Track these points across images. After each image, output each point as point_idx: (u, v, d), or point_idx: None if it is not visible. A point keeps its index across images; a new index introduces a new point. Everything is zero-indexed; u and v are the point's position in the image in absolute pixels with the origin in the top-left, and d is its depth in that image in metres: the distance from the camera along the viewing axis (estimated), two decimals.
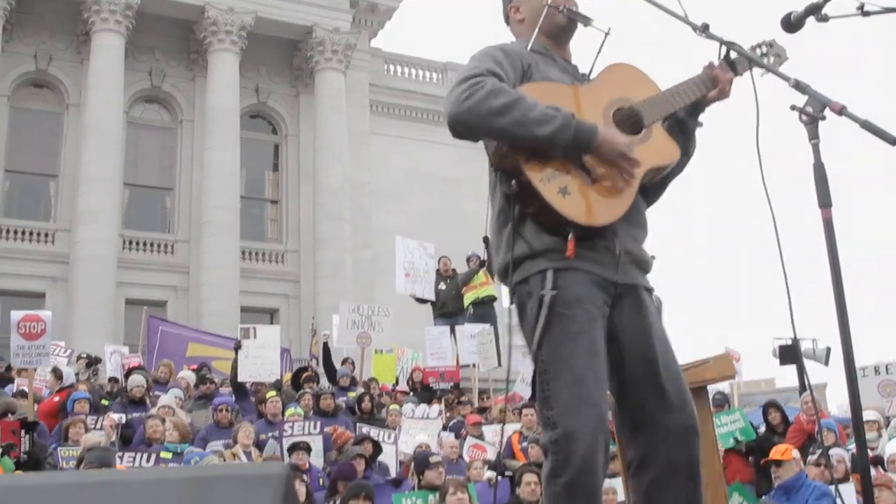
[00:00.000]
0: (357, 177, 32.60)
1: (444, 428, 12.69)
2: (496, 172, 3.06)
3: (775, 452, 8.48)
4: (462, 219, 32.25)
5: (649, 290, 3.17)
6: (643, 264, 3.18)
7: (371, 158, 33.52)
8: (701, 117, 3.33)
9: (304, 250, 31.19)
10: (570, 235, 2.92)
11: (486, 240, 16.01)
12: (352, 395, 13.92)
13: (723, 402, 13.02)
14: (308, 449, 10.12)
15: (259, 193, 32.96)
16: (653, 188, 3.29)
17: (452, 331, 16.74)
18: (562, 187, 2.92)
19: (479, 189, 32.22)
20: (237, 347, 13.29)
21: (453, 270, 17.94)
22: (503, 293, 34.16)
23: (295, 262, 31.45)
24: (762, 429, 11.54)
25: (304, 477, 8.89)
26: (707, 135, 3.50)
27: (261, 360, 13.28)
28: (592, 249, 3.01)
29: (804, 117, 2.85)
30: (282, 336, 15.43)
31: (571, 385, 2.86)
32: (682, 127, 3.28)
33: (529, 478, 8.64)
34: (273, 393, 12.46)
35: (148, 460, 8.69)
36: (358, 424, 11.70)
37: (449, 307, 17.37)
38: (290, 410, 11.84)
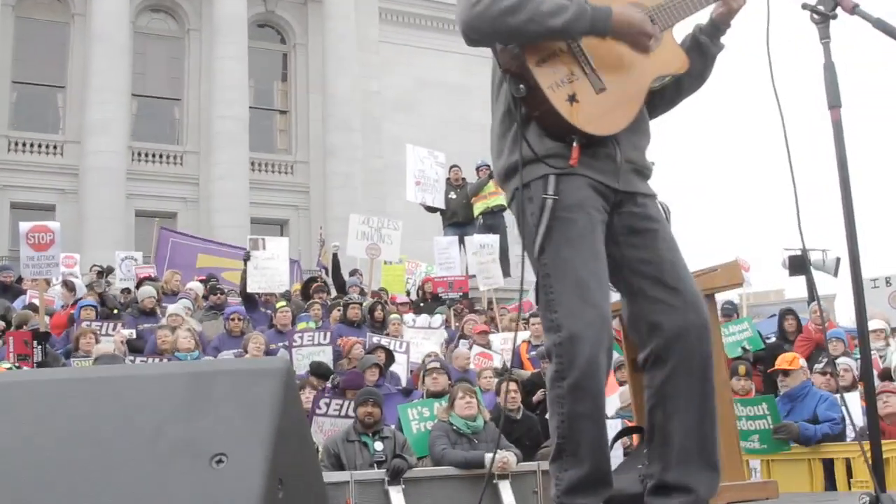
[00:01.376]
0: (366, 86, 32.46)
1: (451, 340, 12.74)
2: (503, 73, 3.02)
3: (782, 361, 8.42)
4: (473, 128, 32.07)
5: (651, 197, 3.16)
6: (644, 171, 3.16)
7: (381, 67, 33.32)
8: (723, 39, 3.27)
9: (314, 161, 31.27)
10: (574, 143, 2.91)
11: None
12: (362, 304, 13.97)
13: (731, 311, 13.00)
14: (327, 375, 9.92)
15: (268, 104, 32.85)
16: (660, 101, 3.26)
17: (462, 241, 16.84)
18: (570, 94, 2.90)
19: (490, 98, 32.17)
20: (246, 258, 13.29)
21: (463, 180, 17.95)
22: None
23: (304, 174, 31.54)
24: (771, 340, 11.56)
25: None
26: None
27: (270, 272, 13.28)
28: (594, 157, 3.00)
29: (815, 16, 2.80)
30: (291, 247, 15.56)
31: (574, 288, 2.86)
32: (703, 49, 3.24)
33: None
34: (283, 303, 12.51)
35: None
36: (369, 333, 11.76)
37: (459, 217, 17.48)
38: (304, 325, 11.83)
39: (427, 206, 17.49)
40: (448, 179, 17.75)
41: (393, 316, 12.81)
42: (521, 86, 2.93)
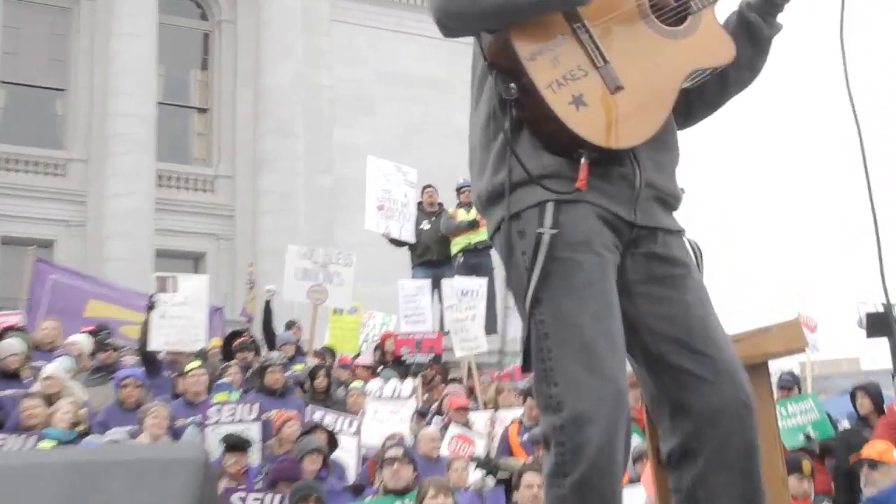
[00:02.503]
0: (314, 78, 32.58)
1: (423, 415, 12.81)
2: (488, 68, 3.06)
3: (870, 450, 8.35)
4: (454, 136, 32.18)
5: (677, 234, 3.19)
6: (669, 199, 3.20)
7: (333, 54, 33.46)
8: (780, 17, 3.30)
9: (242, 175, 31.32)
10: (582, 159, 2.94)
11: None
12: (297, 367, 14.08)
13: (791, 385, 13.02)
14: (244, 447, 10.02)
15: (182, 99, 32.94)
16: (699, 103, 3.30)
17: (436, 285, 16.98)
18: (576, 95, 2.92)
19: None
20: (151, 306, 13.20)
21: (440, 205, 18.15)
22: None
23: (229, 192, 31.56)
24: (844, 424, 11.51)
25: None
26: None
27: (182, 323, 13.25)
28: (606, 178, 3.02)
29: None
30: (210, 289, 15.25)
31: (579, 353, 2.88)
32: (752, 32, 3.26)
33: (531, 479, 8.65)
34: (196, 364, 12.45)
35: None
36: (311, 407, 11.81)
37: (433, 253, 17.75)
38: (223, 395, 11.90)
39: (392, 239, 17.58)
40: (420, 204, 17.93)
41: (354, 385, 12.85)
42: (512, 85, 2.95)
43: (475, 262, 17.48)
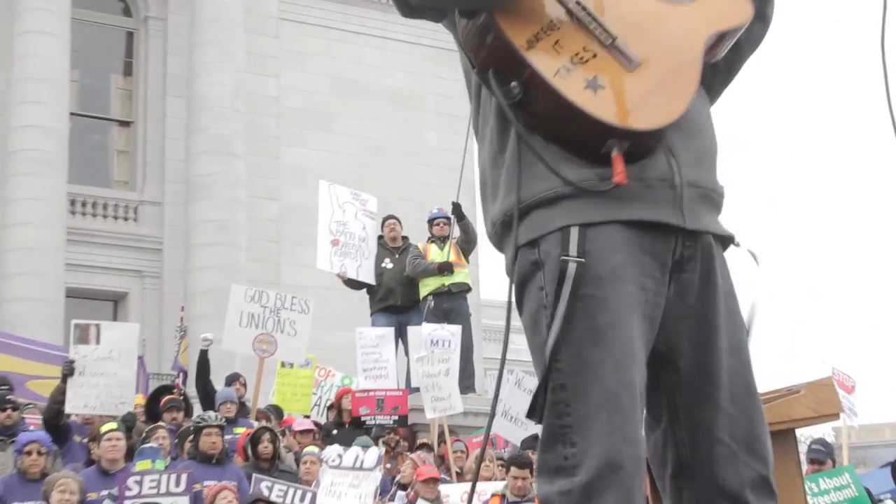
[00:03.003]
0: (258, 88, 32.65)
1: (384, 492, 12.82)
2: (482, 75, 3.09)
3: None
4: (421, 157, 32.47)
5: (726, 240, 3.25)
6: (715, 197, 3.24)
7: (282, 60, 33.56)
8: None
9: (172, 202, 31.29)
10: (613, 152, 2.95)
11: (456, 207, 17.33)
12: (239, 431, 14.04)
13: (824, 457, 12.96)
14: None
15: (101, 110, 32.95)
16: (712, 75, 3.32)
17: (401, 334, 17.17)
18: (589, 78, 2.96)
19: (452, 109, 32.33)
20: (68, 372, 13.08)
21: (405, 240, 18.22)
22: (484, 278, 33.61)
23: (156, 221, 31.51)
24: (886, 503, 11.50)
25: None
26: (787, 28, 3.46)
27: (105, 380, 13.19)
28: (641, 180, 3.03)
29: None
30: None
31: (601, 409, 2.92)
32: None
33: None
34: (113, 426, 12.36)
35: None
36: (254, 478, 11.78)
37: (397, 297, 17.82)
38: (146, 463, 11.79)
39: (348, 280, 17.73)
40: (381, 238, 18.12)
41: (307, 450, 12.88)
42: (513, 83, 2.98)
43: (448, 306, 17.58)
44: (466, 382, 17.24)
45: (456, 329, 16.55)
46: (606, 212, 2.97)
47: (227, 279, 22.65)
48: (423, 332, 16.23)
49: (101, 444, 11.93)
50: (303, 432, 15.19)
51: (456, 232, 17.88)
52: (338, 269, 17.46)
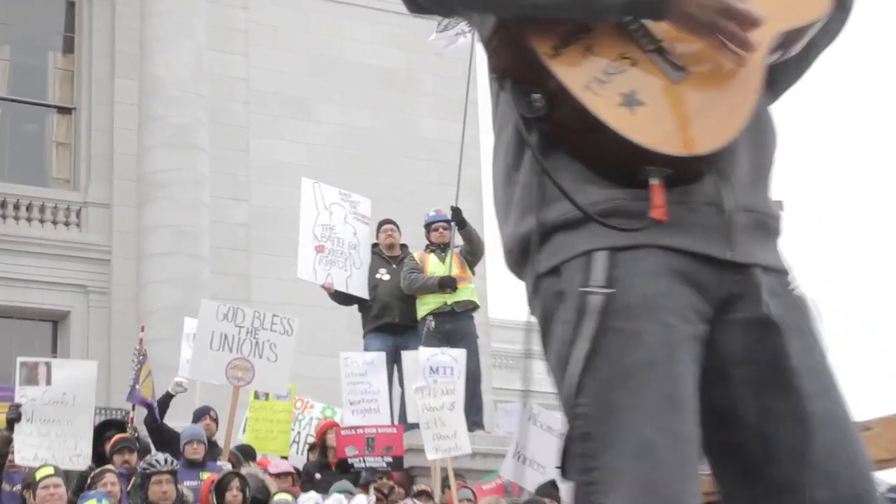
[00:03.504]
0: (224, 68, 32.49)
1: None
2: (499, 81, 3.10)
3: None
4: (419, 151, 32.31)
5: (783, 275, 3.18)
6: (771, 224, 3.20)
7: (251, 35, 33.40)
8: None
9: (122, 203, 31.15)
10: (652, 180, 2.91)
11: (456, 212, 17.55)
12: (207, 476, 13.96)
13: None
14: None
15: (37, 95, 32.97)
16: (780, 74, 3.29)
17: (396, 361, 17.23)
18: (626, 93, 2.91)
19: (452, 93, 31.44)
20: (14, 418, 13.19)
21: (403, 248, 18.42)
22: (493, 294, 33.06)
23: (103, 226, 31.36)
24: None
25: None
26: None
27: (57, 430, 13.28)
28: (683, 205, 2.99)
29: None
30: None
31: (633, 461, 2.88)
32: None
33: None
34: (49, 471, 12.44)
35: None
36: None
37: (394, 314, 17.94)
38: None
39: (335, 293, 17.89)
40: (376, 246, 18.36)
41: (279, 499, 12.93)
42: (535, 96, 2.94)
43: (451, 327, 17.69)
44: (474, 417, 17.26)
45: (460, 354, 16.55)
46: (640, 235, 2.92)
47: (188, 295, 23.11)
48: (420, 358, 16.30)
49: (38, 492, 11.98)
50: (280, 476, 15.08)
51: (458, 240, 17.93)
52: (323, 279, 17.54)
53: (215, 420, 16.50)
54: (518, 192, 3.10)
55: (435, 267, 17.68)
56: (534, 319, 3.10)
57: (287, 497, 13.48)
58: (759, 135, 3.15)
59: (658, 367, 2.91)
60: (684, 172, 2.93)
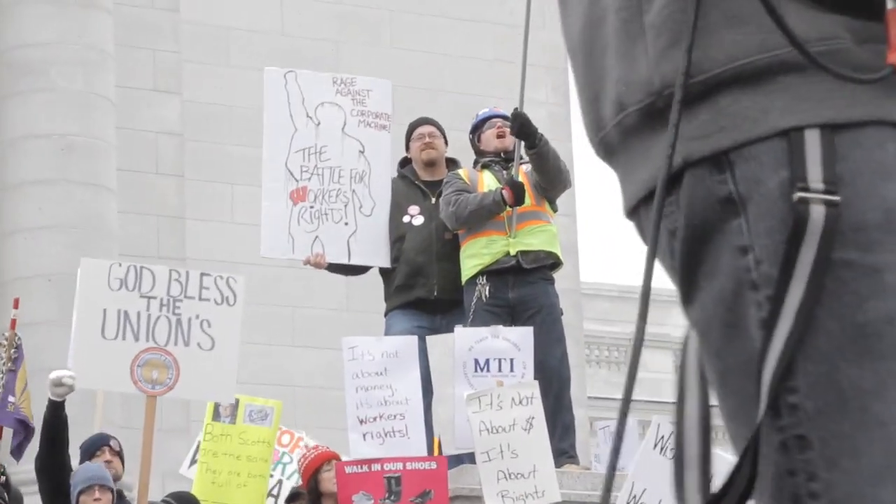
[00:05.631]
0: None
1: None
2: None
3: None
4: (459, 5, 27.55)
5: None
6: None
7: None
8: None
9: None
10: (890, 2, 2.14)
11: (518, 119, 15.29)
12: None
13: None
14: None
15: None
16: None
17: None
18: None
19: None
20: None
21: (452, 165, 15.70)
22: (584, 249, 31.05)
23: None
24: None
25: None
26: None
27: None
28: None
29: None
30: None
31: (887, 481, 2.20)
32: None
33: None
34: None
35: None
36: None
37: (431, 281, 15.20)
38: None
39: (331, 266, 15.63)
40: (405, 167, 15.92)
41: None
42: None
43: (517, 294, 14.95)
44: (561, 444, 14.81)
45: (523, 336, 14.08)
46: (868, 101, 2.19)
47: (85, 250, 18.91)
48: (458, 345, 14.02)
49: None
50: None
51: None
52: (305, 250, 14.96)
53: (118, 453, 14.32)
54: (651, 19, 2.33)
55: (490, 181, 15.14)
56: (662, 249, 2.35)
57: None
58: None
59: None
60: None
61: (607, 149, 2.39)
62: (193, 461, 15.58)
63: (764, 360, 2.19)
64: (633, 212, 2.37)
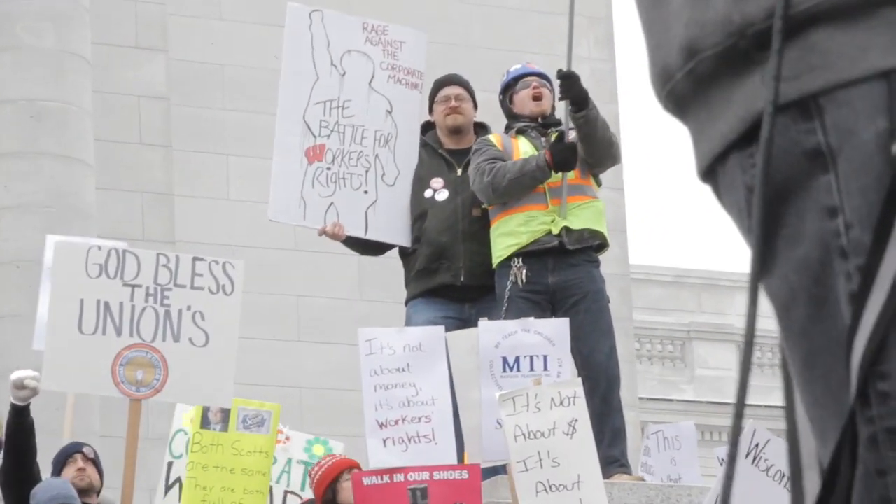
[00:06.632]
0: None
1: None
2: None
3: None
4: None
5: None
6: None
7: None
8: None
9: None
10: None
11: (567, 79, 14.65)
12: None
13: None
14: None
15: None
16: None
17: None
18: None
19: None
20: None
21: (481, 130, 14.75)
22: (633, 229, 30.21)
23: None
24: None
25: None
26: None
27: None
28: None
29: None
30: None
31: None
32: None
33: None
34: None
35: None
36: None
37: (458, 263, 14.36)
38: None
39: (349, 240, 14.86)
40: (429, 132, 14.96)
41: None
42: None
43: (557, 280, 14.11)
44: (611, 450, 13.99)
45: (558, 329, 13.28)
46: None
47: (56, 229, 18.40)
48: (484, 341, 13.21)
49: None
50: None
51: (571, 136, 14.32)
52: (319, 217, 14.25)
53: (94, 461, 13.80)
54: None
55: (527, 148, 14.30)
56: (739, 206, 2.17)
57: None
58: None
59: None
60: None
61: (677, 102, 2.22)
62: (169, 485, 14.68)
63: (853, 340, 2.03)
64: (709, 172, 2.22)
